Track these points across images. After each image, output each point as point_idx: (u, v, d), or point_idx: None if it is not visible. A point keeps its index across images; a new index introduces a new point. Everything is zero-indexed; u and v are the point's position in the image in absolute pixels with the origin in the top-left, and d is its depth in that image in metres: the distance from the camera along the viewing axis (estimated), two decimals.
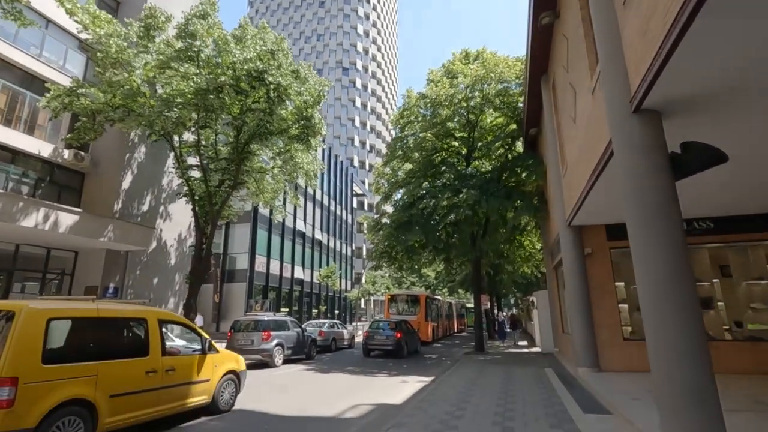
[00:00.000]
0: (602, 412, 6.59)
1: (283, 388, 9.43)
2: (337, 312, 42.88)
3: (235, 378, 7.35)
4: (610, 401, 6.77)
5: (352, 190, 52.20)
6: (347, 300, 42.40)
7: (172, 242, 19.28)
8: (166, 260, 18.85)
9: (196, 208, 16.29)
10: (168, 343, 6.59)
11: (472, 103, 16.29)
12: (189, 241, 20.10)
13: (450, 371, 11.59)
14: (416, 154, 17.73)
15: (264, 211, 29.18)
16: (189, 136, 16.71)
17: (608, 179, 6.65)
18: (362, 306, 54.54)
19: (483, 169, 17.36)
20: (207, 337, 6.90)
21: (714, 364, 4.01)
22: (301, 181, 20.01)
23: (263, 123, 15.06)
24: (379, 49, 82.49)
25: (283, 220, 32.41)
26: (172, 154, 16.33)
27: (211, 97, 12.98)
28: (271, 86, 13.16)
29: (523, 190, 15.33)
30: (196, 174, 16.77)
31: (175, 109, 13.51)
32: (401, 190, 18.51)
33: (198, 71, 13.54)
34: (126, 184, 17.14)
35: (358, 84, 74.15)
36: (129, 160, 17.45)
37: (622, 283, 10.40)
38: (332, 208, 44.31)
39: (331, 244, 42.94)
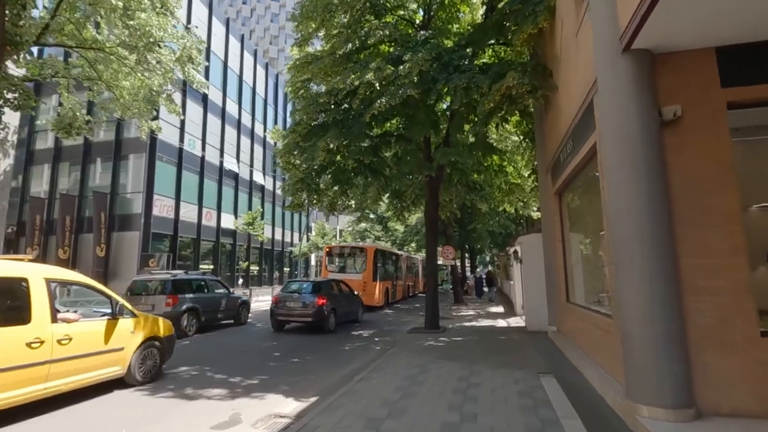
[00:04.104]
0: None
1: None
2: (287, 270, 36.75)
3: (159, 345, 6.29)
4: None
5: None
6: (294, 256, 36.04)
7: None
8: None
9: None
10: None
11: None
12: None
13: (351, 385, 5.57)
14: (340, 16, 10.90)
15: (169, 139, 21.99)
16: None
17: None
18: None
19: (446, 42, 10.69)
20: (118, 299, 5.86)
21: None
22: (179, 73, 13.11)
23: None
24: None
25: (203, 155, 25.31)
26: None
27: None
28: None
29: (509, 60, 8.86)
30: None
31: None
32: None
33: None
34: None
35: None
36: None
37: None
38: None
39: (278, 191, 36.09)
